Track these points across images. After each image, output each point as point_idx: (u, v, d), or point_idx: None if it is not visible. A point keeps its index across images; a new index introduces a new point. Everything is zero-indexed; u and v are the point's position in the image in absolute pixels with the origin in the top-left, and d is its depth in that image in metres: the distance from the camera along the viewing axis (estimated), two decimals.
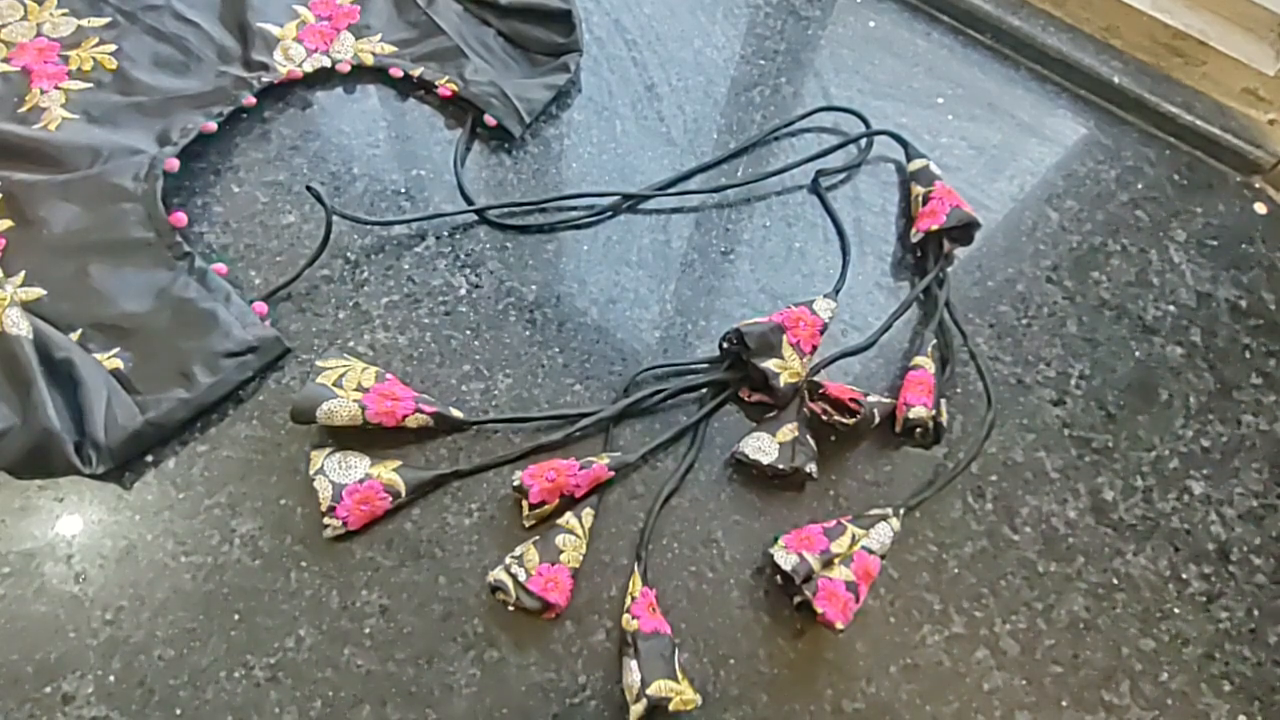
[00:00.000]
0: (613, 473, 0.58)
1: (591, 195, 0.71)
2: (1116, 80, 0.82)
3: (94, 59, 0.71)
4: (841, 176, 0.76)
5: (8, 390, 0.55)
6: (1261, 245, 0.76)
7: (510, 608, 0.54)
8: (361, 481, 0.55)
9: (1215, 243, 0.76)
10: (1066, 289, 0.72)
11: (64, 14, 0.73)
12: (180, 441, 0.58)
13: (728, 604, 0.56)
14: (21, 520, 0.55)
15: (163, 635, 0.52)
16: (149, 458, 0.57)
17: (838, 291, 0.68)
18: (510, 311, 0.65)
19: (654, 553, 0.57)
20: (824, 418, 0.59)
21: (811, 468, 0.58)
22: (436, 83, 0.73)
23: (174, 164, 0.65)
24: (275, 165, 0.70)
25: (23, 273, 0.60)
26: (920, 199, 0.71)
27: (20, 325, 0.57)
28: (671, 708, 0.49)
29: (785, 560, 0.54)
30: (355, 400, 0.56)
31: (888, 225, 0.73)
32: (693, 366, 0.64)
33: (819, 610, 0.52)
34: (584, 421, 0.60)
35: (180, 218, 0.64)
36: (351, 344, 0.63)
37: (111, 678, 0.50)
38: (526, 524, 0.56)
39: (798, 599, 0.55)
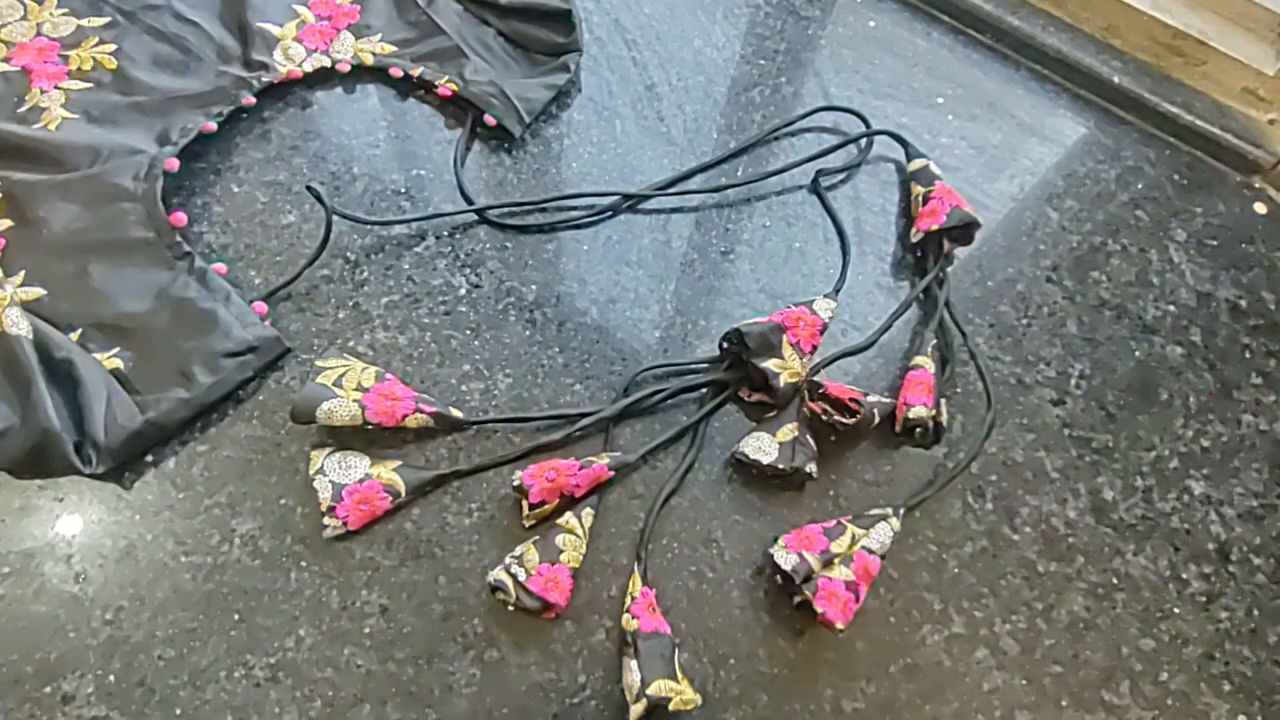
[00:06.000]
0: (613, 473, 0.58)
1: (591, 195, 0.71)
2: (1116, 80, 0.82)
3: (94, 59, 0.71)
4: (841, 176, 0.76)
5: (8, 390, 0.55)
6: (1261, 245, 0.76)
7: (510, 608, 0.54)
8: (361, 481, 0.55)
9: (1215, 243, 0.76)
10: (1066, 289, 0.72)
11: (64, 14, 0.73)
12: (180, 441, 0.58)
13: (728, 604, 0.56)
14: (21, 520, 0.55)
15: (163, 635, 0.52)
16: (149, 458, 0.57)
17: (838, 291, 0.68)
18: (510, 311, 0.65)
19: (654, 553, 0.57)
20: (824, 418, 0.59)
21: (811, 468, 0.58)
22: (436, 83, 0.73)
23: (174, 164, 0.65)
24: (275, 165, 0.70)
25: (23, 272, 0.60)
26: (920, 199, 0.71)
27: (20, 325, 0.57)
28: (671, 708, 0.49)
29: (785, 560, 0.54)
30: (355, 400, 0.56)
31: (888, 225, 0.73)
32: (693, 366, 0.64)
33: (819, 610, 0.52)
34: (584, 421, 0.60)
35: (180, 217, 0.64)
36: (351, 344, 0.63)
37: (111, 678, 0.50)
38: (526, 524, 0.56)
39: (798, 599, 0.55)
